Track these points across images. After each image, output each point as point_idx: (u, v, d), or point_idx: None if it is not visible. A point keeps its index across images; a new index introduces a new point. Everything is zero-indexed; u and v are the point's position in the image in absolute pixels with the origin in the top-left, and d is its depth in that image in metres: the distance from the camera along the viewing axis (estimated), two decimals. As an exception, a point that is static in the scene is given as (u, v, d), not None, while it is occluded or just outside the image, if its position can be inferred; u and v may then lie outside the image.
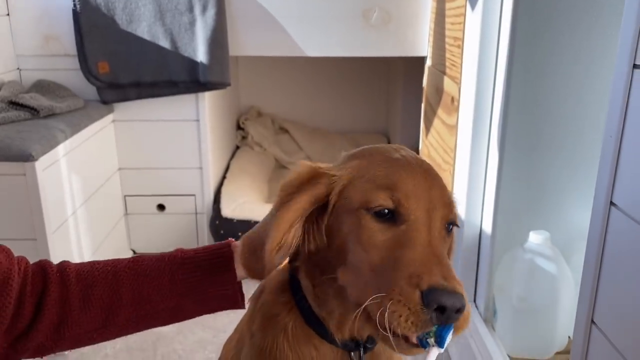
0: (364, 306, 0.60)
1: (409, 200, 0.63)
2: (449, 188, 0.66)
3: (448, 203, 0.66)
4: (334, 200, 0.68)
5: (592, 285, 0.87)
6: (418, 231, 0.62)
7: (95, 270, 0.81)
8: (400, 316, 0.57)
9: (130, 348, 1.73)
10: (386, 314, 0.57)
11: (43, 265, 0.80)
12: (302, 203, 0.67)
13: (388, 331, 0.58)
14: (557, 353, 1.52)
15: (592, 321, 0.88)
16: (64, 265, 0.81)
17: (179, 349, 1.74)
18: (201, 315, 0.86)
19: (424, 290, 0.57)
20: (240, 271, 0.82)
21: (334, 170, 0.69)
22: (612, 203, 0.82)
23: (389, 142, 3.06)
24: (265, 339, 0.76)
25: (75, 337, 0.79)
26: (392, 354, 0.82)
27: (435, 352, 0.60)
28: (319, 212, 0.69)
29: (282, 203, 0.68)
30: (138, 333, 1.79)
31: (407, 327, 0.57)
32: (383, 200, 0.64)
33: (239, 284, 0.84)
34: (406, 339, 0.60)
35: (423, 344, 0.60)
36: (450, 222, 0.67)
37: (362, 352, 0.76)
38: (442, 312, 0.56)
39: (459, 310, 0.57)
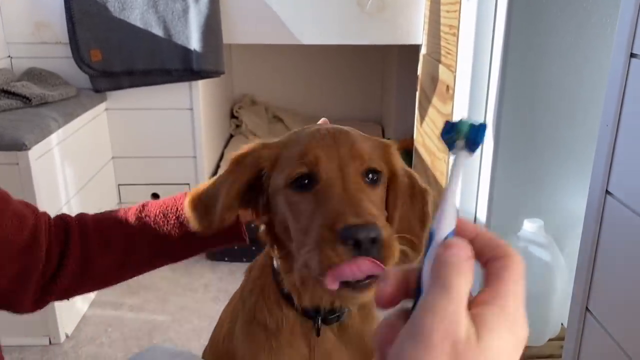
0: (301, 263, 0.66)
1: (319, 161, 0.69)
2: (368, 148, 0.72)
3: (359, 155, 0.71)
4: (266, 184, 0.75)
5: (587, 273, 0.88)
6: (332, 186, 0.68)
7: (110, 217, 0.88)
8: (324, 256, 0.62)
9: (125, 337, 1.73)
10: (316, 259, 0.63)
11: (62, 217, 0.88)
12: (242, 177, 0.75)
13: (318, 274, 0.63)
14: (550, 340, 1.54)
15: (587, 308, 0.89)
16: (82, 215, 0.89)
17: (174, 337, 1.74)
18: (208, 249, 0.93)
19: (338, 230, 0.62)
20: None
21: (263, 151, 0.76)
22: (607, 192, 0.83)
23: (383, 131, 3.06)
24: (251, 299, 0.85)
25: (96, 279, 0.87)
26: (363, 327, 0.86)
27: (463, 156, 0.43)
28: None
29: (228, 173, 0.76)
30: (134, 321, 1.79)
31: (329, 263, 0.61)
32: (298, 168, 0.69)
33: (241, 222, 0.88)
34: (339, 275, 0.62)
35: (450, 146, 0.43)
36: (369, 171, 0.71)
37: (319, 321, 0.81)
38: (359, 246, 0.61)
39: (374, 240, 0.61)
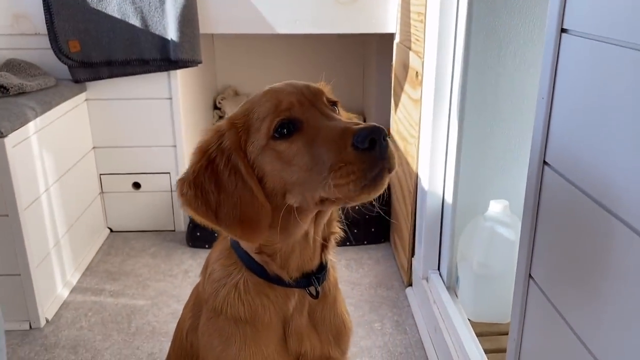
0: (325, 185, 0.69)
1: (293, 105, 0.75)
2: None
3: (318, 91, 0.78)
4: (248, 154, 0.76)
5: (529, 240, 0.92)
6: (317, 119, 0.74)
7: None
8: (353, 173, 0.67)
9: (105, 321, 1.77)
10: (338, 179, 0.68)
11: None
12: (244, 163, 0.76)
13: (353, 190, 0.68)
14: (517, 317, 1.58)
15: (530, 275, 0.93)
16: None
17: (152, 320, 1.78)
18: None
19: (353, 141, 0.68)
20: None
21: (231, 126, 0.77)
22: (545, 162, 0.87)
23: (365, 120, 3.09)
24: (216, 300, 0.85)
25: None
26: (334, 305, 0.90)
27: None
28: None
29: (233, 175, 0.75)
30: (114, 306, 1.80)
31: (361, 176, 0.67)
32: (277, 117, 0.73)
33: None
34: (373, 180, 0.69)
35: None
36: (331, 102, 0.80)
37: (316, 282, 0.84)
38: (373, 145, 0.67)
39: (384, 135, 0.68)
